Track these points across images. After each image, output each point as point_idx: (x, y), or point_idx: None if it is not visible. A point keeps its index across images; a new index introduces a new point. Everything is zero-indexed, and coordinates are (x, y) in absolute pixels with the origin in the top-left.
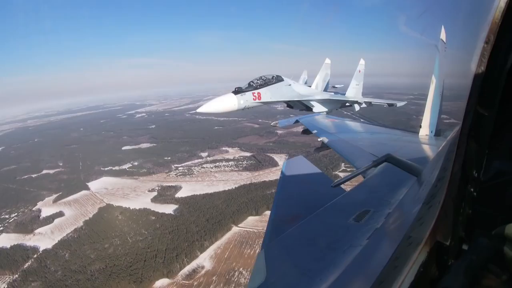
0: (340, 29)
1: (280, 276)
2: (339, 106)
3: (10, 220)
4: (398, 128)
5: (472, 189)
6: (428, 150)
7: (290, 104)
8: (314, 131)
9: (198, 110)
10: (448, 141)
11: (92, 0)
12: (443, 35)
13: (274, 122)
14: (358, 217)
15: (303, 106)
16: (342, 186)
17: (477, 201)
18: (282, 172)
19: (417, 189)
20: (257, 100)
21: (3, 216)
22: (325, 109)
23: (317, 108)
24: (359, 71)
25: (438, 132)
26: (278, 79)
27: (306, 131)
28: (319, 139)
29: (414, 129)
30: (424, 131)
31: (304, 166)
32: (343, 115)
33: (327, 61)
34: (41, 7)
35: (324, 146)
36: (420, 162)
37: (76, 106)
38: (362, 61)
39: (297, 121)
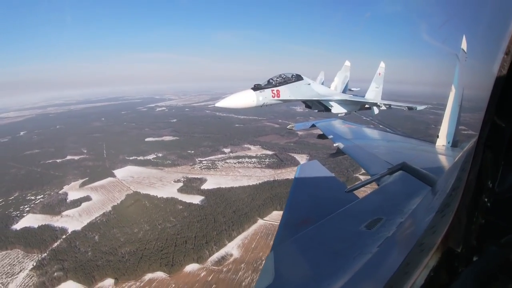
0: (360, 34)
1: (288, 279)
2: (358, 108)
3: (36, 202)
4: (414, 137)
5: (486, 199)
6: (444, 161)
7: (308, 104)
8: (330, 136)
9: (217, 105)
10: (464, 152)
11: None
12: (464, 45)
13: (290, 126)
14: (369, 225)
15: (322, 107)
16: (355, 192)
17: (491, 211)
18: (296, 175)
19: (431, 199)
20: (276, 98)
21: (28, 197)
22: (344, 110)
23: (336, 108)
24: (379, 73)
25: (455, 143)
26: (298, 78)
27: (322, 136)
28: (334, 145)
29: (432, 138)
30: (441, 141)
31: (318, 171)
32: (361, 121)
33: (347, 63)
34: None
35: (339, 152)
36: (435, 172)
37: (95, 96)
38: (382, 64)
39: (313, 125)
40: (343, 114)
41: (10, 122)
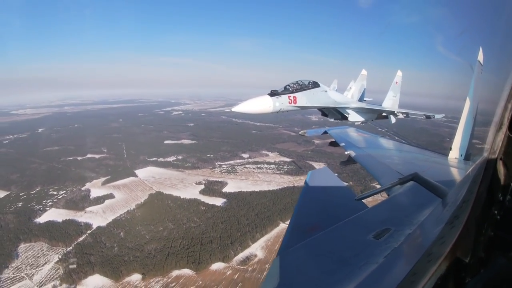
0: (375, 45)
1: (293, 284)
2: (375, 117)
3: (59, 197)
4: (427, 148)
5: (496, 212)
6: (456, 173)
7: (325, 112)
8: (342, 144)
9: (234, 109)
10: (476, 165)
11: (135, 2)
12: (480, 57)
13: (302, 131)
14: (378, 235)
15: (338, 114)
16: (365, 201)
17: (500, 224)
18: (306, 182)
19: (441, 210)
20: (292, 104)
21: (51, 192)
22: (361, 119)
23: (353, 117)
24: (396, 82)
25: (468, 156)
26: (315, 84)
27: (334, 143)
28: (346, 152)
29: (445, 151)
30: (454, 154)
31: (328, 178)
32: (376, 132)
33: (363, 72)
34: (85, 2)
35: (350, 160)
36: (446, 184)
37: (112, 98)
38: (399, 73)
39: (325, 132)
40: (360, 122)
41: (28, 119)
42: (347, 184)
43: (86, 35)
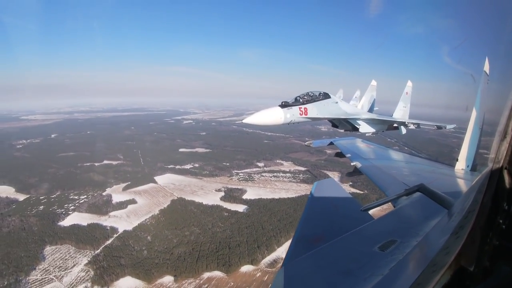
0: (381, 56)
1: None
2: (385, 128)
3: (81, 201)
4: (433, 159)
5: (501, 221)
6: (462, 185)
7: (335, 123)
8: (348, 155)
9: (245, 121)
10: (482, 175)
11: (144, 12)
12: (486, 67)
13: (308, 142)
14: (383, 247)
15: (349, 126)
16: (371, 212)
17: (505, 233)
18: (311, 193)
19: (447, 221)
20: (303, 116)
21: (71, 197)
22: (372, 130)
23: (364, 128)
24: (406, 93)
25: (474, 167)
26: (325, 96)
27: (340, 154)
28: (352, 164)
29: (452, 161)
30: (461, 165)
31: (333, 189)
32: (386, 143)
33: (373, 82)
34: (96, 11)
35: (356, 171)
36: (452, 195)
37: (120, 106)
38: (409, 83)
39: (331, 143)
40: (371, 133)
41: (39, 125)
42: (362, 192)
43: (94, 44)
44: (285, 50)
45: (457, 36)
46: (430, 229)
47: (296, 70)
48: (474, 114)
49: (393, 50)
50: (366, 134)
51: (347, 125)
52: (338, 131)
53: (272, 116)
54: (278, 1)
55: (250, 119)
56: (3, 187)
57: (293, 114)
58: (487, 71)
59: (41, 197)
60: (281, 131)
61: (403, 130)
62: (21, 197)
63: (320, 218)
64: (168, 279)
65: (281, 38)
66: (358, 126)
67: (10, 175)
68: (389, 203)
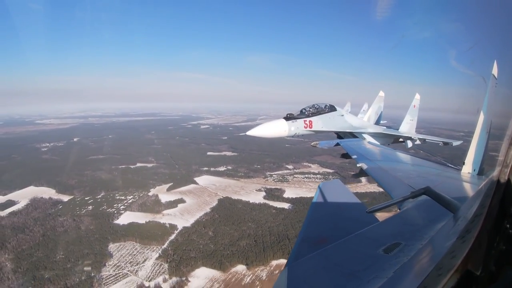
0: (388, 60)
1: None
2: (391, 141)
3: (129, 201)
4: (440, 162)
5: (508, 226)
6: (469, 188)
7: (340, 135)
8: (354, 156)
9: (249, 133)
10: (489, 179)
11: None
12: (495, 70)
13: (314, 143)
14: (388, 249)
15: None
16: (376, 214)
17: None
18: (316, 194)
19: (452, 224)
20: (308, 128)
21: (118, 197)
22: (377, 143)
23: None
24: (414, 106)
25: (481, 171)
26: (331, 108)
27: (346, 155)
28: (358, 165)
29: (459, 165)
30: (467, 168)
31: (339, 190)
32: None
33: (381, 94)
34: (108, 18)
35: (362, 173)
36: (459, 199)
37: (131, 111)
38: (417, 96)
39: (337, 144)
40: None
41: (56, 128)
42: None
43: (105, 49)
44: (294, 56)
45: (465, 39)
46: (436, 233)
47: (305, 75)
48: (481, 117)
49: (402, 55)
50: None
51: (352, 137)
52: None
53: (276, 128)
54: (287, 6)
55: (254, 131)
56: (43, 189)
57: (298, 127)
58: (495, 75)
59: (86, 198)
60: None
61: (409, 144)
62: (65, 198)
63: (324, 219)
64: (240, 267)
65: (289, 43)
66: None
67: (46, 176)
68: (395, 205)
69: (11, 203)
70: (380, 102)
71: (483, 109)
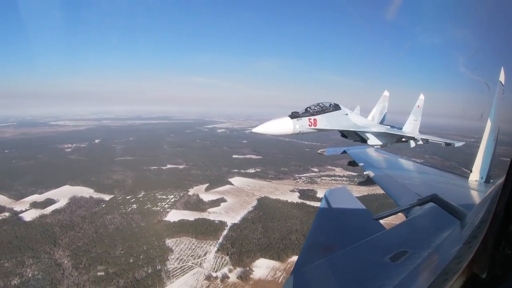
0: (397, 66)
1: None
2: (394, 141)
3: (171, 200)
4: (447, 170)
5: None
6: (476, 196)
7: (344, 134)
8: (361, 164)
9: (254, 130)
10: (496, 186)
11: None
12: (502, 77)
13: (321, 150)
14: (394, 257)
15: (358, 137)
16: (383, 221)
17: None
18: (323, 201)
19: (459, 231)
20: (312, 127)
21: (159, 197)
22: (380, 142)
23: (372, 140)
24: (418, 106)
25: (488, 178)
26: (336, 107)
27: (353, 163)
28: (365, 173)
29: (466, 173)
30: (474, 176)
31: (346, 198)
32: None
33: (386, 93)
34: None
35: (369, 180)
36: (466, 206)
37: (144, 114)
38: (421, 96)
39: (344, 152)
40: (379, 146)
41: (73, 130)
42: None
43: (114, 53)
44: (302, 61)
45: (472, 46)
46: (442, 240)
47: (313, 80)
48: (489, 124)
49: (407, 60)
50: (375, 146)
51: (356, 136)
52: (346, 141)
53: (281, 126)
54: (296, 13)
55: (259, 129)
56: (81, 188)
57: (302, 125)
58: (503, 82)
59: (127, 197)
60: (316, 139)
61: (412, 144)
62: (106, 197)
63: (331, 226)
64: (296, 258)
65: (297, 48)
66: (367, 139)
67: (79, 176)
68: (402, 213)
69: (50, 201)
70: (385, 102)
71: (490, 116)
